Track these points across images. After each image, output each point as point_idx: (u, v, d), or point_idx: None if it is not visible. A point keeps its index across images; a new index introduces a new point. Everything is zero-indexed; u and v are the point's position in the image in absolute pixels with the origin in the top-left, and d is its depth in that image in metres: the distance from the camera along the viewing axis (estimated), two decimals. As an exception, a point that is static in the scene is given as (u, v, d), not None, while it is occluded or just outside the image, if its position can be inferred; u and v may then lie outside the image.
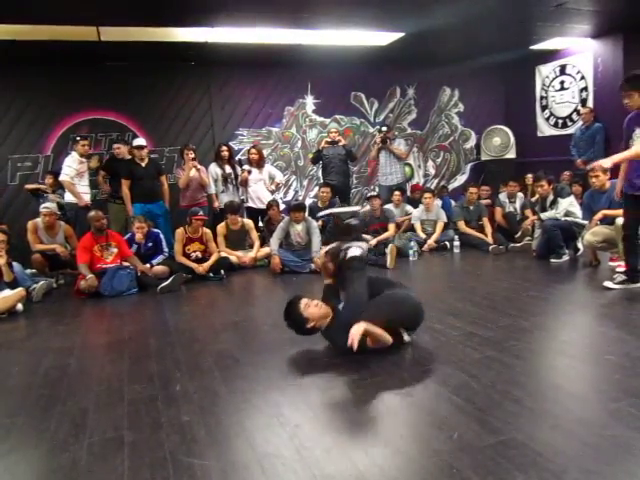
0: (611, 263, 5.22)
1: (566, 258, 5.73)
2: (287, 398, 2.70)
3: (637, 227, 4.29)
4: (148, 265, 5.83)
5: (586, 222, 5.46)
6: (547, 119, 8.85)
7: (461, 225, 7.12)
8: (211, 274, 5.86)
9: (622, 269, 4.91)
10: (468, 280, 5.39)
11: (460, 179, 9.68)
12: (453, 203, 7.73)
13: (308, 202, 7.82)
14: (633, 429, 2.13)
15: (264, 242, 6.59)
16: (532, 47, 8.04)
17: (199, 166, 6.74)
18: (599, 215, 5.07)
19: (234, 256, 6.23)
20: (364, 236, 6.66)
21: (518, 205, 7.38)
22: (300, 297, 3.29)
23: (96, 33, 5.77)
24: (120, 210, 6.62)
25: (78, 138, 6.53)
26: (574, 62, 8.18)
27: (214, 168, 6.93)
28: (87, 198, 6.52)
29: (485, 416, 2.32)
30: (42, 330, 4.36)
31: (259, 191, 6.99)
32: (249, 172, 6.88)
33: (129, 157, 6.72)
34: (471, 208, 7.23)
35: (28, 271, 5.79)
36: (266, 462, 2.08)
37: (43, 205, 5.93)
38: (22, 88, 7.10)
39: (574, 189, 6.60)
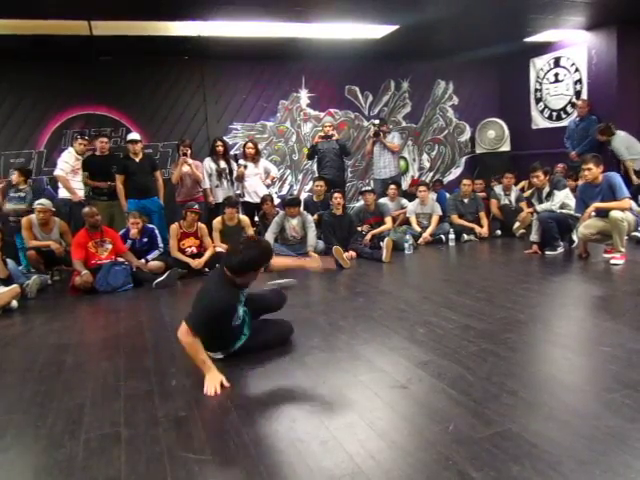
0: (605, 255, 5.24)
1: (561, 250, 5.75)
2: (283, 392, 2.70)
3: None
4: (143, 261, 5.82)
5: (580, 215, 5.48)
6: (541, 111, 8.85)
7: (454, 219, 7.14)
8: (207, 269, 5.85)
9: (616, 261, 4.95)
10: (463, 273, 5.40)
11: (455, 172, 9.67)
12: (448, 196, 7.73)
13: (303, 196, 7.81)
14: (628, 420, 2.15)
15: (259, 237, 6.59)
16: (526, 39, 8.02)
17: (190, 161, 6.70)
18: (591, 208, 5.09)
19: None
20: (359, 229, 6.69)
21: (513, 198, 7.40)
22: None
23: (88, 27, 5.73)
24: (104, 207, 6.51)
25: (78, 136, 6.51)
26: (568, 54, 8.18)
27: (208, 163, 6.91)
28: (81, 194, 6.51)
29: (480, 408, 2.33)
30: (37, 327, 4.34)
31: (255, 185, 6.97)
32: (245, 167, 6.85)
33: (107, 153, 6.73)
34: (465, 201, 7.24)
35: (21, 267, 5.77)
36: (263, 456, 2.09)
37: (38, 202, 5.89)
38: (14, 83, 7.03)
39: (568, 183, 6.63)
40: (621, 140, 6.89)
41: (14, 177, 6.54)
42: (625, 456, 1.91)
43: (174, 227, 6.01)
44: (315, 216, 6.62)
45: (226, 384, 2.78)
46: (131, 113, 7.64)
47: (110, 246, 5.67)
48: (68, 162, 6.36)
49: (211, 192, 6.91)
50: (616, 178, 5.10)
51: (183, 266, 5.82)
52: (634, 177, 6.64)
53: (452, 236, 6.85)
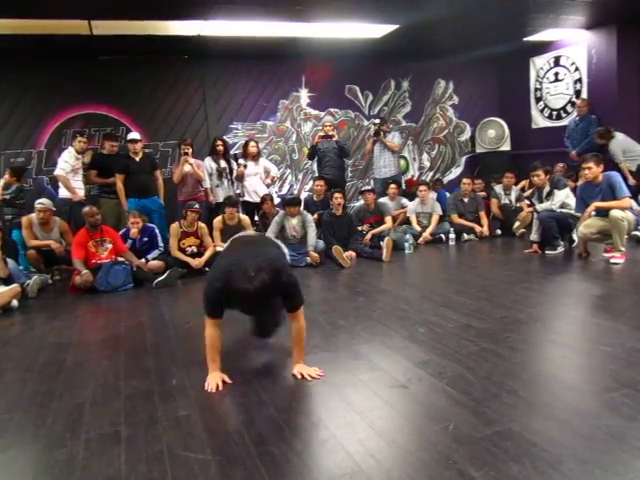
0: (605, 254, 5.24)
1: (561, 250, 5.75)
2: (283, 392, 2.71)
3: None
4: (143, 260, 5.82)
5: (580, 214, 5.48)
6: (541, 111, 8.85)
7: (455, 218, 7.14)
8: (207, 268, 5.84)
9: (616, 260, 4.96)
10: (464, 272, 5.40)
11: (455, 172, 9.67)
12: (448, 195, 7.72)
13: (303, 196, 7.81)
14: (627, 419, 2.15)
15: (259, 236, 6.58)
16: (526, 39, 8.01)
17: (191, 160, 6.70)
18: (591, 208, 5.09)
19: (229, 250, 6.22)
20: (359, 228, 6.69)
21: (513, 197, 7.41)
22: None
23: (88, 27, 5.72)
24: (113, 205, 6.58)
25: (77, 135, 6.52)
26: (568, 54, 8.17)
27: (209, 162, 6.92)
28: (81, 194, 6.51)
29: (481, 407, 2.34)
30: (38, 326, 4.35)
31: (255, 185, 6.97)
32: (245, 166, 6.85)
33: (115, 153, 6.73)
34: (465, 200, 7.24)
35: (20, 268, 5.76)
36: (263, 456, 2.09)
37: (38, 201, 5.89)
38: (14, 83, 7.02)
39: (568, 184, 6.64)
40: (619, 144, 6.88)
41: (6, 177, 6.53)
42: (625, 455, 1.91)
43: (174, 226, 6.01)
44: (315, 216, 6.62)
45: (228, 380, 2.81)
46: (131, 112, 7.63)
47: (110, 245, 5.67)
48: (68, 161, 6.36)
49: (211, 191, 6.92)
50: (616, 177, 5.10)
51: (183, 265, 5.83)
52: (630, 177, 6.64)
53: (452, 235, 6.86)
